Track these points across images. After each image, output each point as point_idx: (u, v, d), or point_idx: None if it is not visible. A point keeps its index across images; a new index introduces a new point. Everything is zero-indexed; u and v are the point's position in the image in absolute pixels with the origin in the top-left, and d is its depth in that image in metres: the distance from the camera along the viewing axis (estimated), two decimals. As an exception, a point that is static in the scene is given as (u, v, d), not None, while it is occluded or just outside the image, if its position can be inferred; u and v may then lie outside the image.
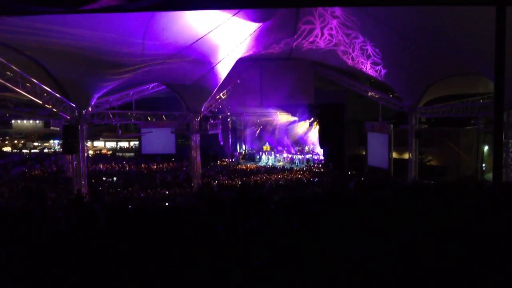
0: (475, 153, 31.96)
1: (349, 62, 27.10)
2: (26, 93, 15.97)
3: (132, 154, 47.67)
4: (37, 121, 55.33)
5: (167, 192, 25.01)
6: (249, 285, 3.86)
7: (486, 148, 31.44)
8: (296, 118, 42.19)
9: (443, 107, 26.61)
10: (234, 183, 27.86)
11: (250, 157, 42.67)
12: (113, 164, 36.35)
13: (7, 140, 54.20)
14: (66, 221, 5.79)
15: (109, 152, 49.50)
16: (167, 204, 16.01)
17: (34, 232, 5.23)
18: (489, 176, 29.05)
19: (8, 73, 14.79)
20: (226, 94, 33.90)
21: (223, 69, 26.11)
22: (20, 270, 4.18)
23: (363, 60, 25.48)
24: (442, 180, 26.42)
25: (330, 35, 24.15)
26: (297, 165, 38.89)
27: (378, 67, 25.23)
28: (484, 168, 31.67)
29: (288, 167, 37.39)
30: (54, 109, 18.67)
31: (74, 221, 6.18)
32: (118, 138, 50.56)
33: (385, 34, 21.61)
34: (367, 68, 26.36)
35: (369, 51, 23.70)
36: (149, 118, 28.34)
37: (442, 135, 32.99)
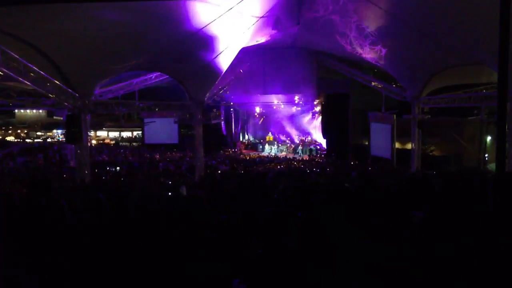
0: (478, 144, 31.91)
1: (348, 47, 26.70)
2: (29, 82, 15.95)
3: (134, 143, 47.71)
4: (40, 111, 55.39)
5: (170, 182, 25.03)
6: (252, 271, 3.89)
7: (489, 138, 31.39)
8: (299, 108, 42.17)
9: (446, 97, 26.53)
10: (237, 173, 27.87)
11: (253, 147, 42.67)
12: (116, 154, 36.40)
13: (10, 129, 54.26)
14: (71, 210, 5.83)
15: (112, 142, 49.51)
16: (170, 193, 16.05)
17: (39, 221, 5.27)
18: (492, 166, 29.03)
19: (11, 62, 14.78)
20: (229, 83, 33.85)
21: (226, 59, 26.04)
22: (26, 259, 4.22)
23: (361, 42, 25.14)
24: (445, 170, 26.45)
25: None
26: (300, 155, 38.88)
27: (377, 47, 24.91)
28: (486, 159, 31.63)
29: (291, 157, 37.40)
30: (57, 99, 18.68)
31: (79, 209, 6.22)
32: (121, 128, 50.59)
33: (382, 18, 21.37)
34: (367, 52, 26.07)
35: (366, 31, 23.37)
36: (152, 108, 28.32)
37: (445, 126, 32.90)
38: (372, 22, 22.27)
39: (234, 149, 41.32)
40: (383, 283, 3.52)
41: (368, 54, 26.49)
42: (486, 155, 31.63)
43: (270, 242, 4.33)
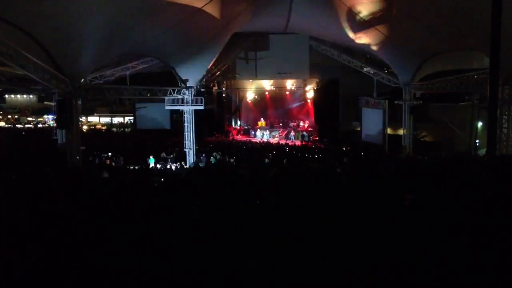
0: (469, 129, 32.03)
1: (340, 33, 26.41)
2: (20, 67, 15.80)
3: (127, 129, 47.54)
4: (31, 96, 54.97)
5: (161, 168, 25.05)
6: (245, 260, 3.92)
7: (480, 124, 31.52)
8: (291, 94, 42.24)
9: (438, 83, 26.57)
10: (229, 158, 27.85)
11: (245, 132, 42.68)
12: (108, 140, 36.20)
13: (0, 114, 53.85)
14: (64, 195, 5.83)
15: (104, 128, 49.30)
16: (162, 179, 16.07)
17: (31, 205, 5.26)
18: (483, 152, 29.21)
19: (1, 47, 14.62)
20: (221, 69, 33.67)
21: (218, 44, 25.90)
22: (19, 244, 4.22)
23: (354, 28, 24.92)
24: (436, 155, 26.61)
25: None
26: (292, 141, 38.93)
27: (370, 33, 24.78)
28: (477, 144, 31.78)
29: (283, 143, 37.42)
30: (48, 84, 18.52)
31: (71, 194, 6.21)
32: (112, 113, 50.35)
33: (375, 4, 21.24)
34: (359, 37, 25.94)
35: (359, 16, 23.15)
36: (144, 93, 28.16)
37: (436, 111, 33.00)
38: (365, 7, 22.17)
39: (226, 135, 41.25)
40: (376, 264, 3.56)
41: (361, 39, 26.43)
42: (477, 141, 31.76)
43: (265, 227, 4.36)
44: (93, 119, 51.58)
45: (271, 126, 42.36)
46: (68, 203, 5.57)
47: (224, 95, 42.14)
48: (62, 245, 4.14)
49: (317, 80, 38.12)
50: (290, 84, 42.07)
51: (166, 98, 28.38)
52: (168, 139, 35.62)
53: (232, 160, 25.92)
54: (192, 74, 27.00)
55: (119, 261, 3.94)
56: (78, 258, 3.97)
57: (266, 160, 25.35)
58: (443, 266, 3.39)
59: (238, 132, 42.99)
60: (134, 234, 4.27)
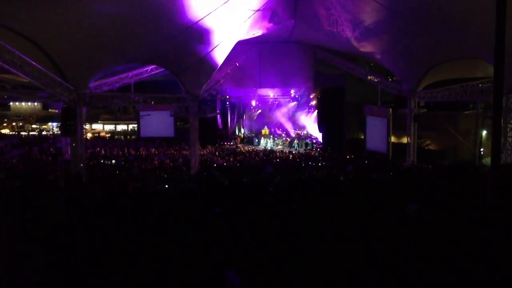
0: (474, 138, 31.98)
1: (344, 41, 26.46)
2: (25, 75, 15.88)
3: (130, 137, 47.59)
4: (36, 103, 55.10)
5: (165, 176, 25.02)
6: (246, 263, 3.90)
7: (484, 132, 31.46)
8: (295, 102, 42.23)
9: (442, 91, 26.57)
10: (233, 166, 27.85)
11: (249, 140, 42.66)
12: (112, 147, 36.22)
13: (5, 122, 53.98)
14: (66, 202, 5.82)
15: (108, 135, 49.37)
16: (166, 186, 16.07)
17: (34, 213, 5.26)
18: (487, 160, 29.11)
19: (6, 54, 14.70)
20: (225, 77, 33.74)
21: (222, 52, 25.96)
22: (22, 251, 4.21)
23: (358, 36, 24.95)
24: (440, 164, 26.55)
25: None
26: (296, 149, 38.89)
27: (374, 41, 24.82)
28: (482, 153, 31.71)
29: (287, 151, 37.38)
30: (52, 91, 18.61)
31: (74, 202, 6.21)
32: (116, 121, 50.43)
33: (379, 12, 21.28)
34: (363, 45, 25.98)
35: (364, 24, 23.21)
36: (147, 101, 28.26)
37: (441, 120, 32.96)
38: (369, 16, 22.23)
39: (230, 143, 41.24)
40: (377, 272, 3.54)
41: (365, 48, 26.45)
42: (482, 149, 31.70)
43: (265, 233, 4.33)
44: (97, 126, 51.68)
45: (274, 134, 42.34)
46: (67, 210, 5.56)
47: (227, 103, 42.20)
48: (59, 251, 4.14)
49: (321, 88, 38.12)
50: (293, 91, 42.08)
51: (170, 105, 28.49)
52: (171, 147, 35.71)
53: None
54: (196, 82, 27.06)
55: (115, 267, 3.93)
56: (78, 263, 3.97)
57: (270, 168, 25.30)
58: (444, 276, 3.36)
59: (242, 140, 42.97)
60: (133, 241, 4.26)
